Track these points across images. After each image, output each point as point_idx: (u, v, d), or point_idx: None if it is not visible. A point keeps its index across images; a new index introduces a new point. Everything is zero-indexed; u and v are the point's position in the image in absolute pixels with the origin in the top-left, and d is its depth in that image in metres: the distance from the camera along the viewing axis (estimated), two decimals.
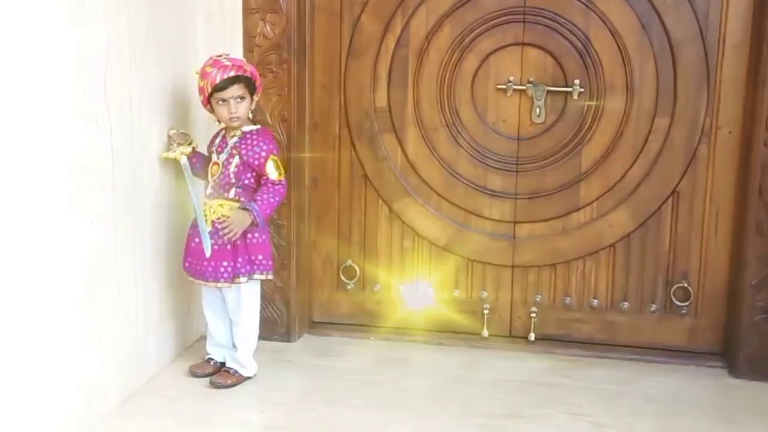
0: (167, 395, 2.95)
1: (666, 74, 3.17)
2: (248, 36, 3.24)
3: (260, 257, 2.97)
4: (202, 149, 3.10)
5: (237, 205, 2.91)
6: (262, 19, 3.22)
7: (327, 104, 3.42)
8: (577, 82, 3.22)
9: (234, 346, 3.07)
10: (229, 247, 2.92)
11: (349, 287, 3.55)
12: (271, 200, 2.92)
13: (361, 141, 3.44)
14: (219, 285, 2.94)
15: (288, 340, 3.43)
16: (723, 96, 3.15)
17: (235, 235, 2.88)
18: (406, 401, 2.94)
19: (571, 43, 3.22)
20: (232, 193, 2.94)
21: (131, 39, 2.79)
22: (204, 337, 3.34)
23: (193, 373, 3.07)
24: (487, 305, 3.44)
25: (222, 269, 2.92)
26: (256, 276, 2.98)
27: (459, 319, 3.48)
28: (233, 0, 3.22)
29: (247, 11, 3.23)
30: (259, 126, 3.03)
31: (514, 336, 3.46)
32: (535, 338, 3.41)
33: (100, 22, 2.62)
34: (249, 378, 3.05)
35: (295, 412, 2.86)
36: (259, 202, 2.89)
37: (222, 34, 3.24)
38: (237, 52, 3.16)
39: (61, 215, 2.47)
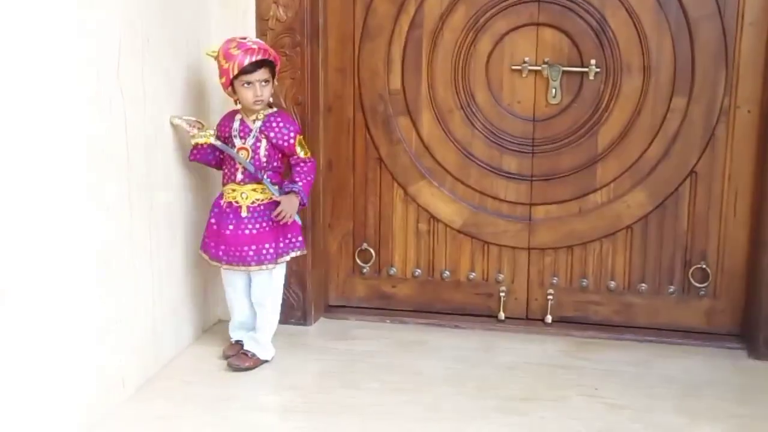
0: (185, 379, 2.96)
1: (683, 53, 3.13)
2: (261, 19, 3.22)
3: (293, 235, 3.02)
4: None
5: (268, 188, 2.92)
6: (275, 2, 3.20)
7: (341, 87, 3.41)
8: (593, 62, 3.19)
9: (255, 328, 3.08)
10: (267, 229, 2.94)
11: (364, 271, 3.54)
12: (309, 178, 3.00)
13: (375, 124, 3.42)
14: (263, 268, 2.96)
15: (304, 324, 3.43)
16: (741, 74, 3.11)
17: (290, 219, 2.93)
18: (423, 384, 2.94)
19: (587, 22, 3.18)
20: (264, 176, 2.94)
21: (144, 22, 2.78)
22: (221, 322, 3.36)
23: (227, 356, 3.07)
24: (503, 288, 3.43)
25: (264, 252, 2.95)
26: (292, 254, 3.03)
27: (475, 302, 3.47)
28: None
29: None
30: (276, 108, 3.02)
31: (531, 318, 3.45)
32: (552, 320, 3.40)
33: (113, 5, 2.61)
34: (266, 361, 3.06)
35: (312, 396, 2.87)
36: (302, 183, 2.96)
37: (235, 17, 3.22)
38: (250, 36, 3.15)
39: (76, 201, 2.47)
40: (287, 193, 2.94)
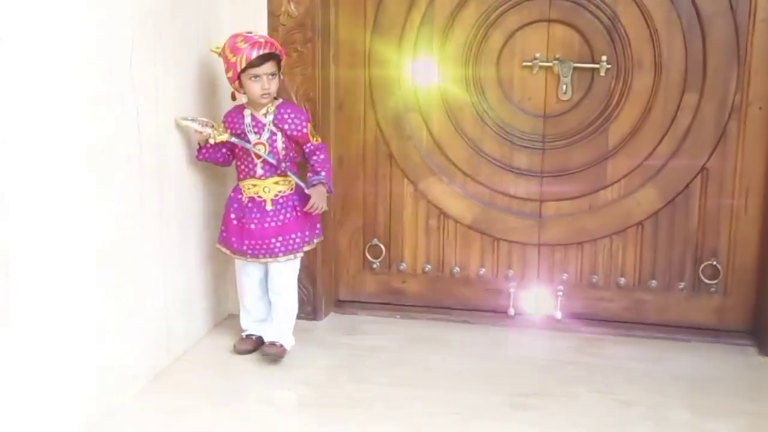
0: (196, 373, 2.98)
1: (695, 49, 3.13)
2: (272, 15, 3.23)
3: (313, 222, 3.09)
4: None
5: (290, 179, 2.98)
6: None
7: (352, 83, 3.41)
8: (604, 58, 3.19)
9: (275, 319, 3.10)
10: (292, 219, 2.98)
11: (374, 266, 3.55)
12: (328, 165, 3.05)
13: (386, 120, 3.43)
14: (291, 257, 3.00)
15: (314, 319, 3.44)
16: (753, 71, 3.10)
17: (322, 209, 2.99)
18: (433, 379, 2.95)
19: (598, 18, 3.18)
20: (283, 167, 2.98)
21: (156, 18, 2.80)
22: (232, 316, 3.38)
23: (238, 351, 3.10)
24: (513, 284, 3.43)
25: (291, 241, 2.99)
26: (316, 240, 3.12)
27: (485, 298, 3.47)
28: None
29: None
30: (280, 99, 3.04)
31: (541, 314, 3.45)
32: (562, 316, 3.39)
33: (126, 1, 2.62)
34: (288, 351, 3.10)
35: (323, 390, 2.88)
36: (325, 173, 3.00)
37: (246, 13, 3.23)
38: (262, 31, 3.15)
39: (88, 196, 2.49)
40: (314, 185, 2.98)
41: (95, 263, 2.54)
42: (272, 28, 3.22)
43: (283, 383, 2.94)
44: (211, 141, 2.96)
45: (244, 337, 3.16)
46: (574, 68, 3.22)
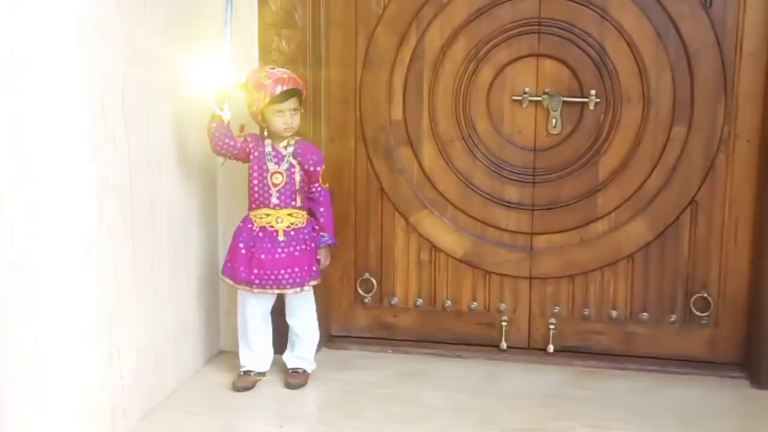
0: (187, 410, 2.94)
1: (683, 83, 3.16)
2: (264, 51, 3.24)
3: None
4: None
5: (303, 213, 3.05)
6: (277, 35, 3.23)
7: (343, 118, 3.43)
8: (593, 92, 3.22)
9: (296, 346, 3.15)
10: (301, 251, 3.02)
11: (366, 300, 3.54)
12: (332, 217, 3.13)
13: (377, 154, 3.44)
14: (304, 289, 3.03)
15: None
16: (741, 104, 3.13)
17: (328, 264, 3.17)
18: (426, 414, 2.93)
19: (587, 53, 3.22)
20: (297, 201, 3.03)
21: (149, 53, 2.80)
22: (223, 352, 3.35)
23: (237, 388, 3.08)
24: (505, 317, 3.43)
25: (298, 275, 3.01)
26: (318, 278, 3.14)
27: (477, 332, 3.46)
28: (249, 15, 3.22)
29: (263, 26, 3.23)
30: (298, 136, 3.07)
31: (533, 348, 3.44)
32: (554, 350, 3.38)
33: (120, 38, 2.63)
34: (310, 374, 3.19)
35: (315, 426, 2.85)
36: (329, 228, 3.11)
37: (238, 48, 3.23)
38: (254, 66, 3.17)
39: (80, 230, 2.47)
40: (324, 246, 3.10)
41: (88, 296, 2.52)
42: (264, 64, 3.23)
43: (275, 420, 2.92)
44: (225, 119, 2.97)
45: (242, 373, 3.13)
46: (564, 102, 3.25)
